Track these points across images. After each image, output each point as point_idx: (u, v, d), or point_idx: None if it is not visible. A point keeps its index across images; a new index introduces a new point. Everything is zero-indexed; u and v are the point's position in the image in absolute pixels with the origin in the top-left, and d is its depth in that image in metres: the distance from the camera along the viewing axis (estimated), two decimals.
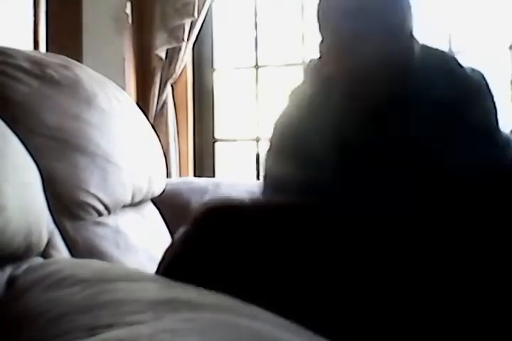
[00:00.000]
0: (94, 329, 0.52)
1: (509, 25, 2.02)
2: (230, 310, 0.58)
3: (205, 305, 0.59)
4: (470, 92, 0.90)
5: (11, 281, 0.87)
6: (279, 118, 0.99)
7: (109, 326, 0.51)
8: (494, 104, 0.90)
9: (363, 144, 0.82)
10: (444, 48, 1.02)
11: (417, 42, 0.91)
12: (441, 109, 0.83)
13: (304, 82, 1.01)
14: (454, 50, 2.06)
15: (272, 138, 0.98)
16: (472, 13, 2.09)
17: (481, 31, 2.08)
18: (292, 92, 1.02)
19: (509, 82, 2.01)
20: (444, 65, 0.92)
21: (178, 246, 0.82)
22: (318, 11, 0.97)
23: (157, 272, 0.81)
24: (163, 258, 0.83)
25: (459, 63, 0.94)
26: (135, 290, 0.65)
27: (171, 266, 0.81)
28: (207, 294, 0.63)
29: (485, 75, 0.94)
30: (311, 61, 0.99)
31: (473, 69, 0.95)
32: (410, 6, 0.92)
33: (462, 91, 0.89)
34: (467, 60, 2.02)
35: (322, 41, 0.95)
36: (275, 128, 0.98)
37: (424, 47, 0.93)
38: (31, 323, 0.62)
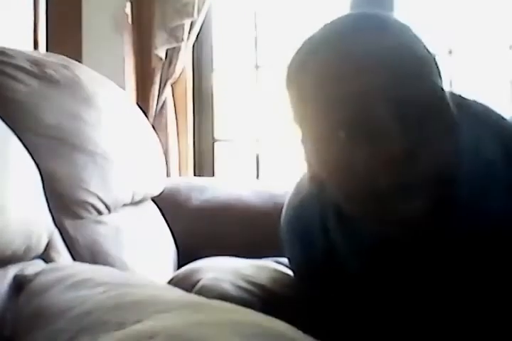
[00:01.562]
0: (122, 324, 0.52)
1: (509, 25, 2.02)
2: (249, 313, 0.59)
3: (227, 309, 0.60)
4: None
5: (21, 282, 0.87)
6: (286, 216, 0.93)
7: (138, 322, 0.52)
8: None
9: None
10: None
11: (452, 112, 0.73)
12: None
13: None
14: (454, 49, 2.06)
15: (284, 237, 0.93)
16: (472, 13, 2.09)
17: (481, 31, 2.08)
18: (300, 180, 0.94)
19: (509, 82, 2.01)
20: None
21: None
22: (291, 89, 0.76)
23: None
24: None
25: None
26: (156, 294, 0.65)
27: None
28: (223, 303, 0.64)
29: None
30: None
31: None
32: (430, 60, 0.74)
33: None
34: (467, 60, 2.01)
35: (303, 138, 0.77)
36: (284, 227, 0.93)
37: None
38: (56, 318, 0.63)
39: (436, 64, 0.74)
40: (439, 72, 0.74)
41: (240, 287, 0.89)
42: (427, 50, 0.74)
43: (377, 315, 0.82)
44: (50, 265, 0.97)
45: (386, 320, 0.81)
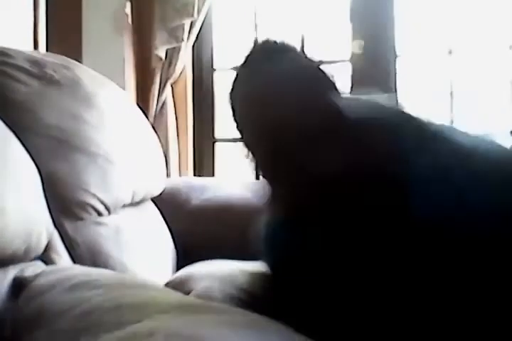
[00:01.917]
0: (122, 324, 0.53)
1: (509, 25, 2.02)
2: (247, 314, 0.59)
3: (225, 310, 0.60)
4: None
5: (20, 283, 0.87)
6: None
7: (138, 321, 0.52)
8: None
9: None
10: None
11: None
12: None
13: None
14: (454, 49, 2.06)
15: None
16: (472, 13, 2.09)
17: (481, 31, 2.08)
18: None
19: (509, 82, 2.01)
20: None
21: None
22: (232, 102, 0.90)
23: None
24: None
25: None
26: (155, 295, 0.66)
27: None
28: (221, 304, 0.65)
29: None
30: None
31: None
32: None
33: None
34: (467, 60, 2.01)
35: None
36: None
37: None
38: (57, 318, 0.63)
39: (329, 79, 0.83)
40: (334, 86, 0.83)
41: (231, 296, 0.90)
42: (319, 68, 0.84)
43: (354, 308, 0.82)
44: (50, 267, 0.98)
45: (365, 313, 0.81)
